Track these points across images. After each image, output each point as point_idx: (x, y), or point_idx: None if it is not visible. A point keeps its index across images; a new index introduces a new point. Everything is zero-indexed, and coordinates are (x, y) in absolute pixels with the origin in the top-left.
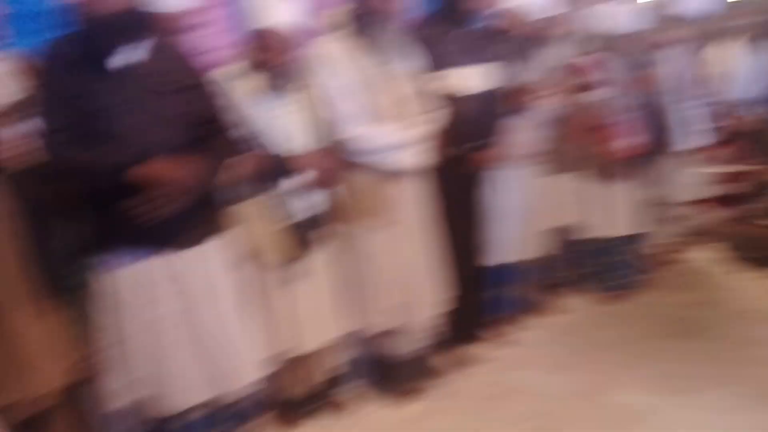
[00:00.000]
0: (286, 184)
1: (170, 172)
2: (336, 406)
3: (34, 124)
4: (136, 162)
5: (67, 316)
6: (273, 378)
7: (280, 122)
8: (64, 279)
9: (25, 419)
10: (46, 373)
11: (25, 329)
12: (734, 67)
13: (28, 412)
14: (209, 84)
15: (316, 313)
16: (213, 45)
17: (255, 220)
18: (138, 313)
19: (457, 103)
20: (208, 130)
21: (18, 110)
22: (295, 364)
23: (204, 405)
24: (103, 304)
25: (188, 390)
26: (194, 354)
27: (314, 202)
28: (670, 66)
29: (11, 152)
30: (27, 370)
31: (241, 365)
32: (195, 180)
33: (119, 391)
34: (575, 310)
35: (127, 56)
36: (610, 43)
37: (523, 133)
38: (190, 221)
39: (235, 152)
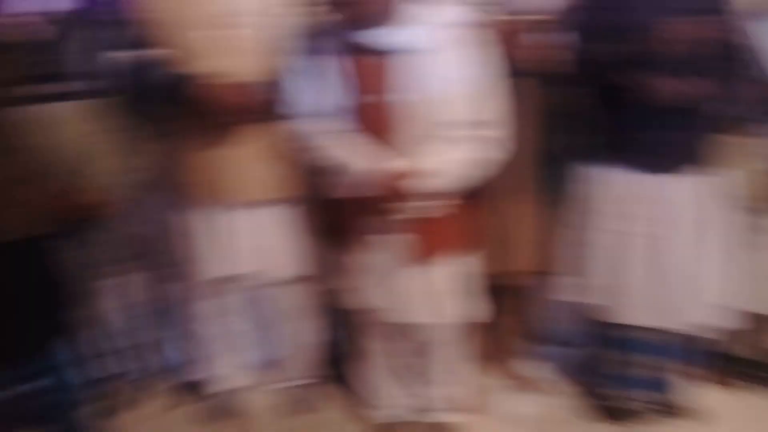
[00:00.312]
0: None
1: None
2: None
3: (567, 35)
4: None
5: (547, 213)
6: (725, 331)
7: None
8: (553, 179)
9: (495, 289)
10: (522, 256)
11: (517, 214)
12: None
13: (500, 284)
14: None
15: None
16: None
17: (746, 157)
18: (606, 225)
19: None
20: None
21: (554, 20)
22: (758, 324)
23: (646, 329)
24: (577, 208)
25: (635, 309)
26: (650, 278)
27: None
28: None
29: (545, 57)
30: (510, 249)
31: (695, 306)
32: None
33: (572, 289)
34: None
35: None
36: None
37: None
38: (675, 147)
39: (738, 79)
